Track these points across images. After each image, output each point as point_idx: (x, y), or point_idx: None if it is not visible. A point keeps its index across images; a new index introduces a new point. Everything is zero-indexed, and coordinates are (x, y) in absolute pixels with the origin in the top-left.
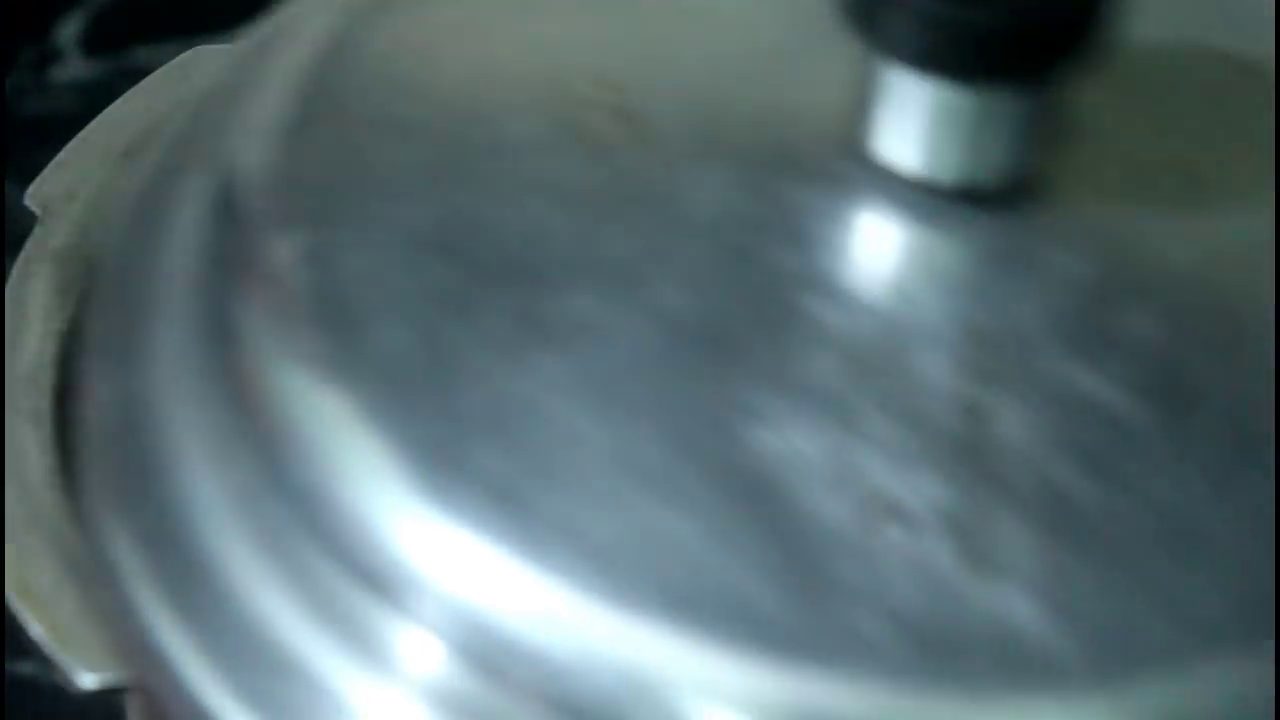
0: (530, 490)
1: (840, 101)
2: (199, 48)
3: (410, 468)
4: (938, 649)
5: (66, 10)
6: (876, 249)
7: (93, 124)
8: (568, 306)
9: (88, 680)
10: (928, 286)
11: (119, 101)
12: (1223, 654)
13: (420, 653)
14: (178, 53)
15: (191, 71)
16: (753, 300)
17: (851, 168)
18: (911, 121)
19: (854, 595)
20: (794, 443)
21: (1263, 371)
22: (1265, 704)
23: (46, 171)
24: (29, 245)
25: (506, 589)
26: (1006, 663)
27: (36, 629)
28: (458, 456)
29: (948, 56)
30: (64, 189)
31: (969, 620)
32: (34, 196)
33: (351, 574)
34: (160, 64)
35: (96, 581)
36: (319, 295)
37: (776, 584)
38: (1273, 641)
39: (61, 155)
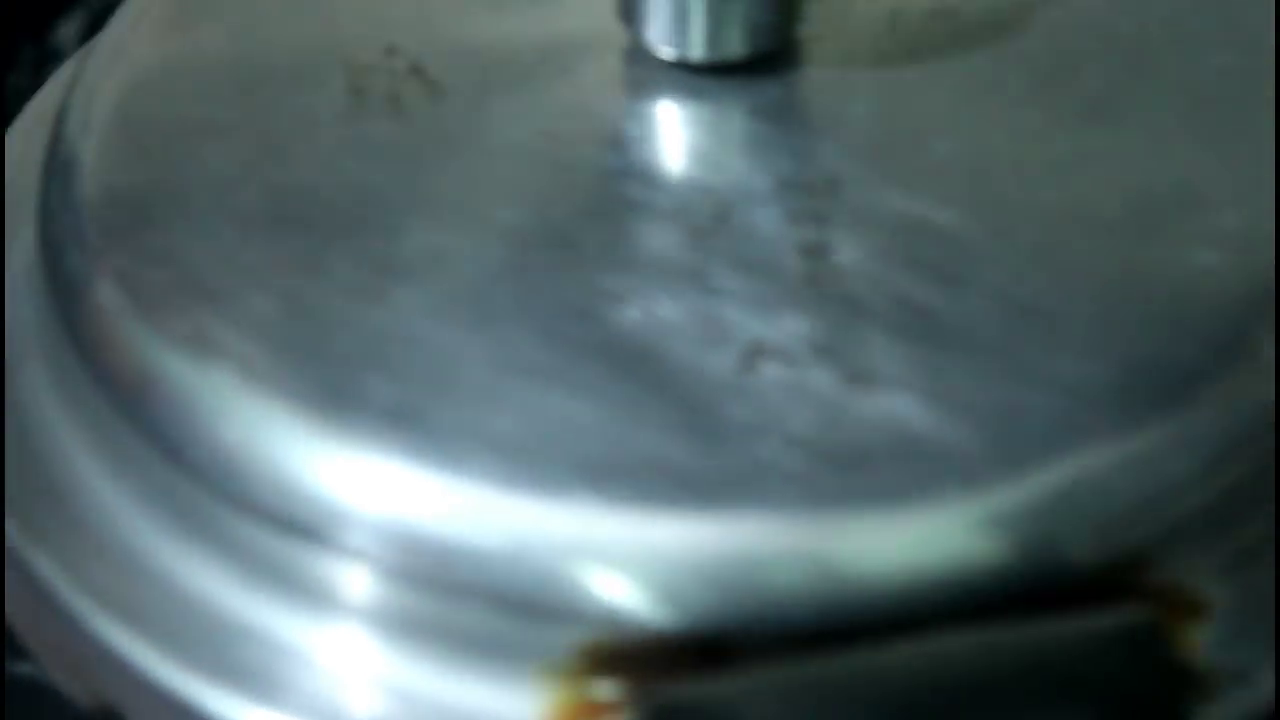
0: (425, 406)
1: (607, 16)
2: None
3: (308, 412)
4: (844, 464)
5: (66, 10)
6: (675, 131)
7: None
8: (411, 244)
9: None
10: (732, 152)
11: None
12: (1108, 423)
13: (356, 582)
14: None
15: None
16: (581, 200)
17: (631, 67)
18: (676, 8)
19: (753, 433)
20: (657, 312)
21: (1051, 169)
22: (1155, 465)
23: None
24: None
25: (428, 499)
26: (910, 464)
27: None
28: (349, 393)
29: None
30: None
31: (865, 432)
32: None
33: (276, 527)
34: None
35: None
36: (176, 287)
37: (679, 439)
38: (1156, 402)
39: None
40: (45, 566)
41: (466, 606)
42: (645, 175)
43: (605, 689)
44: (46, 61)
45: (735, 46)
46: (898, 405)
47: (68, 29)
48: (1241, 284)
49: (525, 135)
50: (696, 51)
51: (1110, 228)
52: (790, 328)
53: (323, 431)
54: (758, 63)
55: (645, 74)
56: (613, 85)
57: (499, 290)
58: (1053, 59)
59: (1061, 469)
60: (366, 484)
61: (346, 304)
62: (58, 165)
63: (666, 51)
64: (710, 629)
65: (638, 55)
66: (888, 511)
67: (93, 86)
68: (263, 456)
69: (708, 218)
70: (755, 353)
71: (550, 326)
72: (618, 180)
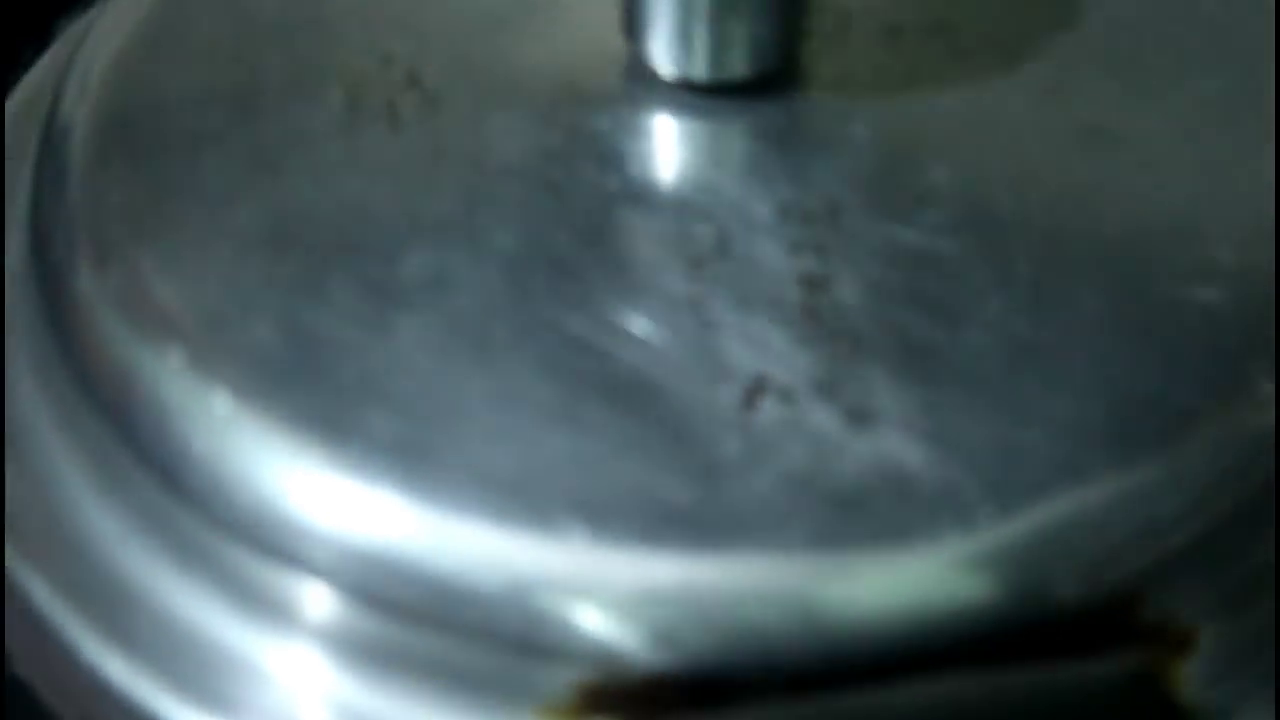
0: (424, 438)
1: (609, 31)
2: None
3: (306, 440)
4: (841, 504)
5: (66, 10)
6: (675, 153)
7: None
8: (410, 269)
9: None
10: (733, 177)
11: None
12: (1103, 462)
13: (349, 616)
14: None
15: None
16: (580, 224)
17: (633, 86)
18: (677, 28)
19: (752, 472)
20: (658, 346)
21: (1051, 198)
22: (1149, 502)
23: None
24: None
25: (423, 534)
26: (906, 504)
27: None
28: (347, 423)
29: None
30: None
31: (863, 472)
32: None
33: (269, 555)
34: None
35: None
36: (173, 308)
37: (677, 477)
38: (1150, 439)
39: None
40: (35, 587)
41: (462, 644)
42: (645, 199)
43: None
44: None
45: (738, 67)
46: (895, 444)
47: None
48: (1238, 320)
49: (523, 153)
50: (699, 71)
51: (1108, 260)
52: (790, 363)
53: (321, 460)
54: (760, 83)
55: (646, 93)
56: (613, 103)
57: (496, 319)
58: (1052, 80)
59: (1057, 508)
60: (359, 514)
61: (345, 331)
62: (48, 176)
63: (669, 71)
64: (706, 669)
65: (639, 73)
66: (883, 552)
67: (81, 95)
68: (254, 483)
69: (708, 247)
70: (756, 390)
71: (549, 359)
72: (618, 204)
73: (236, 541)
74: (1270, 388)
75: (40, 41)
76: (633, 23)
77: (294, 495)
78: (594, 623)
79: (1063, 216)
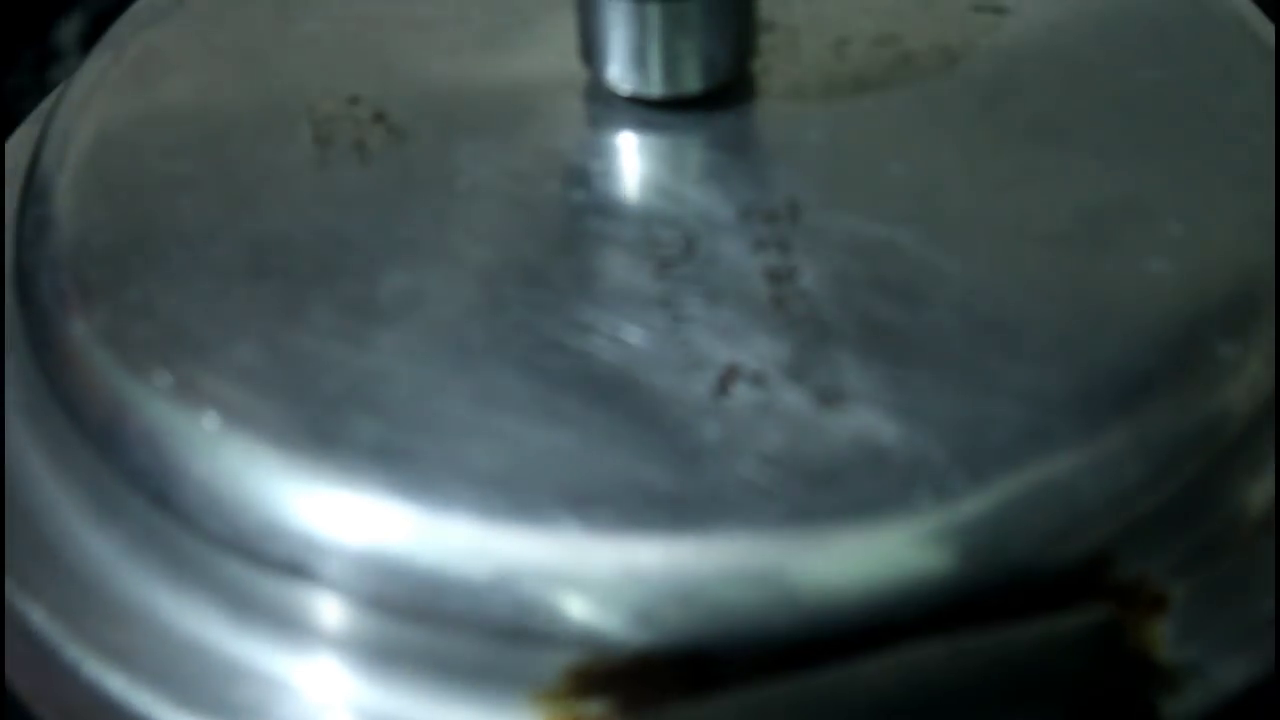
0: (410, 443)
1: (566, 57)
2: None
3: (292, 452)
4: (816, 480)
5: (66, 10)
6: (637, 165)
7: None
8: (386, 287)
9: None
10: (694, 184)
11: None
12: (1069, 430)
13: (344, 616)
14: None
15: None
16: (549, 236)
17: (592, 106)
18: (632, 49)
19: (728, 454)
20: (630, 342)
21: (1003, 185)
22: (1115, 468)
23: None
24: None
25: (413, 532)
26: (880, 477)
27: None
28: (333, 432)
29: None
30: None
31: (837, 449)
32: None
33: (264, 565)
34: None
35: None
36: (159, 340)
37: (656, 463)
38: (1113, 407)
39: None
40: (33, 613)
41: (456, 636)
42: (611, 209)
43: (594, 710)
44: (46, 61)
45: (691, 82)
46: (866, 421)
47: (68, 29)
48: (1191, 289)
49: (491, 175)
50: (654, 88)
51: (1061, 240)
52: (760, 351)
53: (309, 470)
54: (714, 96)
55: (606, 111)
56: (575, 123)
57: (474, 328)
58: (997, 82)
59: (1026, 475)
60: (352, 519)
61: (326, 349)
62: (30, 223)
63: (625, 89)
64: (692, 649)
65: (597, 94)
66: (859, 525)
67: (61, 145)
68: (245, 496)
69: (674, 248)
70: (728, 377)
71: (526, 360)
72: (584, 215)
73: (230, 554)
74: (1228, 350)
75: (40, 41)
76: (590, 47)
77: (285, 505)
78: (581, 607)
79: (1014, 202)
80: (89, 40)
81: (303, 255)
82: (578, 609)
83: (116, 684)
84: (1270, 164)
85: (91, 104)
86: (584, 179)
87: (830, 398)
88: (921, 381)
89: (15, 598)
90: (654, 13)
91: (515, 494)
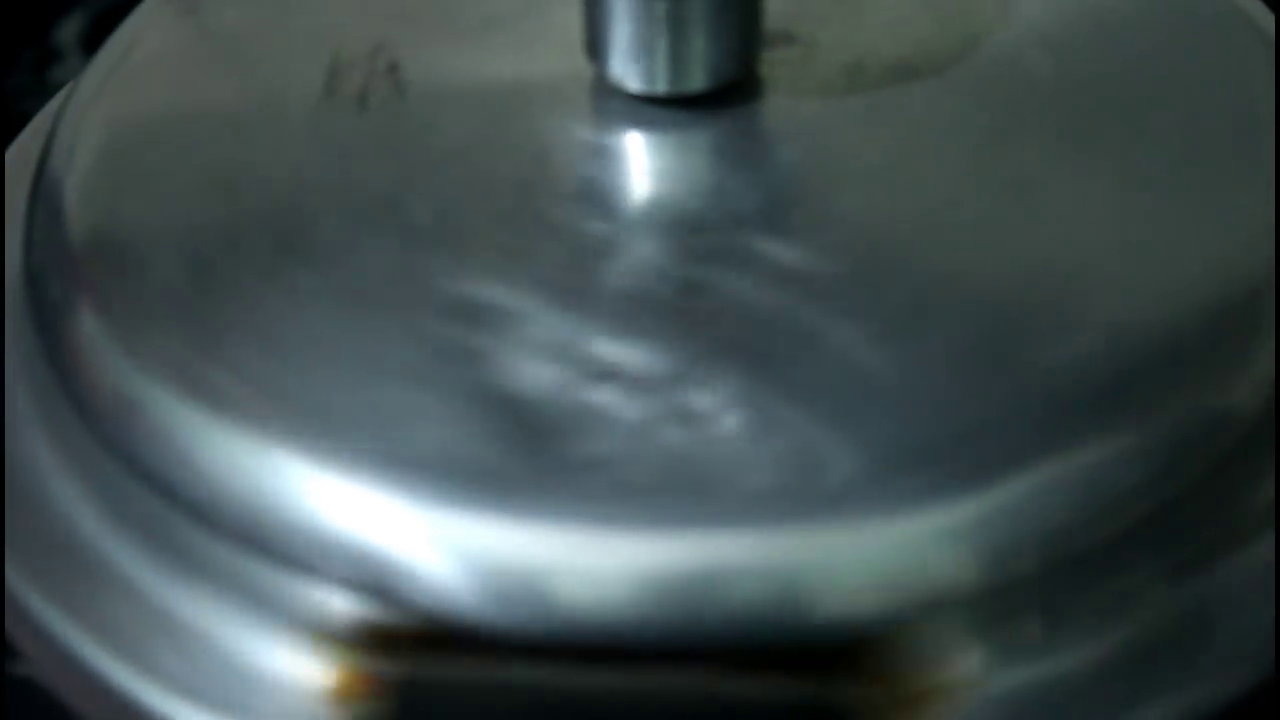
0: (281, 378)
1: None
2: None
3: (179, 368)
4: (637, 490)
5: (66, 10)
6: (604, 158)
7: None
8: (325, 232)
9: None
10: (649, 184)
11: None
12: (901, 486)
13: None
14: None
15: None
16: (493, 211)
17: (593, 96)
18: (635, 40)
19: (567, 444)
20: (518, 325)
21: (949, 239)
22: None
23: None
24: None
25: (258, 460)
26: (702, 496)
27: None
28: (219, 355)
29: None
30: None
31: (667, 462)
32: None
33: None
34: None
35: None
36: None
37: (498, 443)
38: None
39: None
40: (36, 603)
41: (255, 563)
42: (564, 194)
43: (376, 665)
44: (46, 61)
45: (696, 80)
46: (708, 440)
47: (68, 29)
48: (1081, 380)
49: (467, 144)
50: (657, 85)
51: (977, 304)
52: (637, 357)
53: (187, 390)
54: (716, 96)
55: (602, 102)
56: (567, 110)
57: (383, 285)
58: (998, 126)
59: (838, 530)
60: (207, 435)
61: (247, 280)
62: (40, 223)
63: (629, 85)
64: (475, 625)
65: (602, 89)
66: (664, 534)
67: (69, 145)
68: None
69: (600, 241)
70: (597, 375)
71: (415, 324)
72: (536, 195)
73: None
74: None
75: (40, 41)
76: (593, 43)
77: (161, 414)
78: (406, 572)
79: (954, 257)
80: (89, 40)
81: (264, 189)
82: (399, 571)
83: (122, 676)
84: (1271, 161)
85: (100, 103)
86: (548, 162)
87: (685, 415)
88: (773, 413)
89: (24, 593)
90: (659, 9)
91: (338, 443)
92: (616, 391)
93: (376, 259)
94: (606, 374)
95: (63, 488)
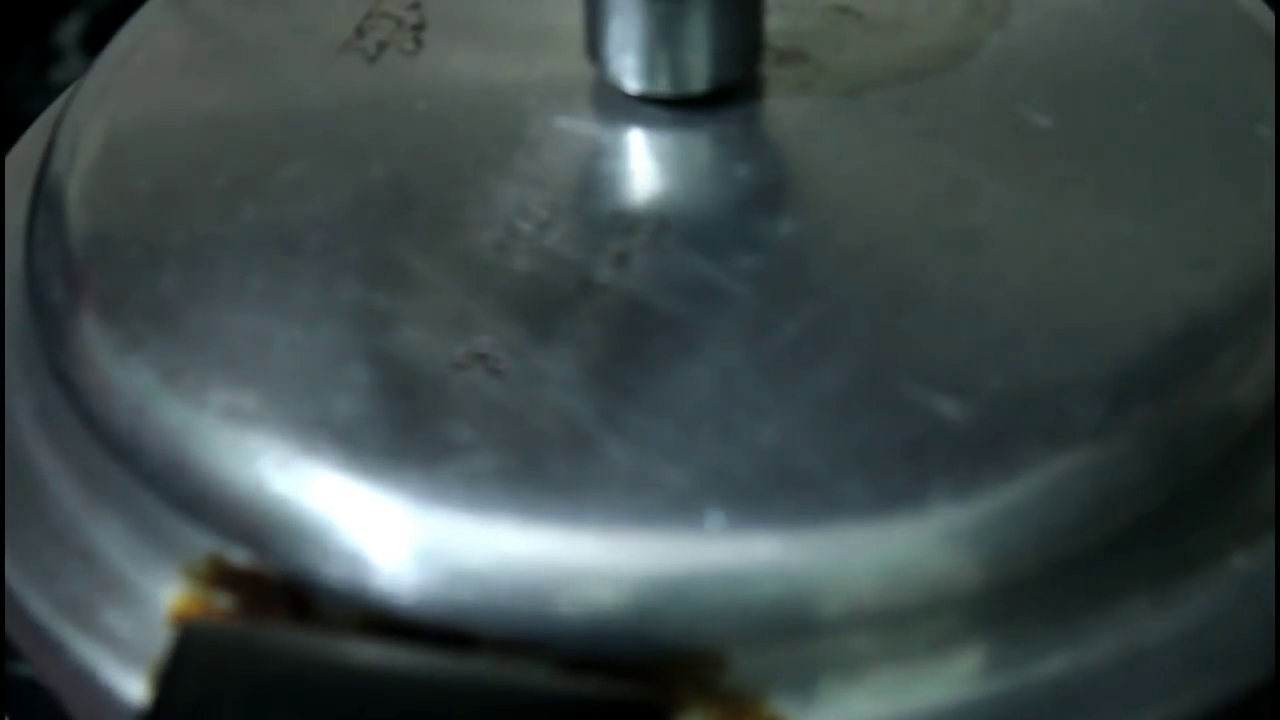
0: (188, 311)
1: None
2: None
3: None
4: (475, 471)
5: (66, 10)
6: (572, 147)
7: None
8: (285, 173)
9: None
10: (603, 178)
11: None
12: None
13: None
14: None
15: None
16: (446, 178)
17: (591, 90)
18: (630, 40)
19: (440, 418)
20: (424, 294)
21: (876, 274)
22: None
23: None
24: None
25: (144, 387)
26: (574, 475)
27: None
28: (137, 281)
29: None
30: None
31: (538, 443)
32: None
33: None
34: None
35: None
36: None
37: (372, 407)
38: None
39: None
40: (36, 603)
41: (149, 499)
42: (511, 174)
43: (221, 602)
44: (46, 61)
45: (697, 82)
46: (559, 430)
47: (68, 29)
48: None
49: (451, 111)
50: (658, 85)
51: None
52: (516, 344)
53: (97, 310)
54: (717, 97)
55: (596, 98)
56: (561, 99)
57: (318, 230)
58: (983, 166)
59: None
60: (102, 369)
61: (197, 204)
62: (42, 226)
63: (627, 83)
64: (304, 580)
65: (603, 87)
66: (497, 518)
67: (71, 148)
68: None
69: (531, 225)
70: (476, 357)
71: (332, 277)
72: (493, 171)
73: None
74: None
75: (40, 41)
76: (592, 44)
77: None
78: (246, 512)
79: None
80: (89, 40)
81: (251, 126)
82: (241, 510)
83: (122, 676)
84: (1272, 160)
85: (102, 105)
86: (518, 143)
87: (538, 404)
88: (650, 425)
89: (24, 593)
90: (658, 11)
91: (234, 384)
92: (486, 376)
93: (320, 204)
94: (480, 358)
95: (63, 488)
